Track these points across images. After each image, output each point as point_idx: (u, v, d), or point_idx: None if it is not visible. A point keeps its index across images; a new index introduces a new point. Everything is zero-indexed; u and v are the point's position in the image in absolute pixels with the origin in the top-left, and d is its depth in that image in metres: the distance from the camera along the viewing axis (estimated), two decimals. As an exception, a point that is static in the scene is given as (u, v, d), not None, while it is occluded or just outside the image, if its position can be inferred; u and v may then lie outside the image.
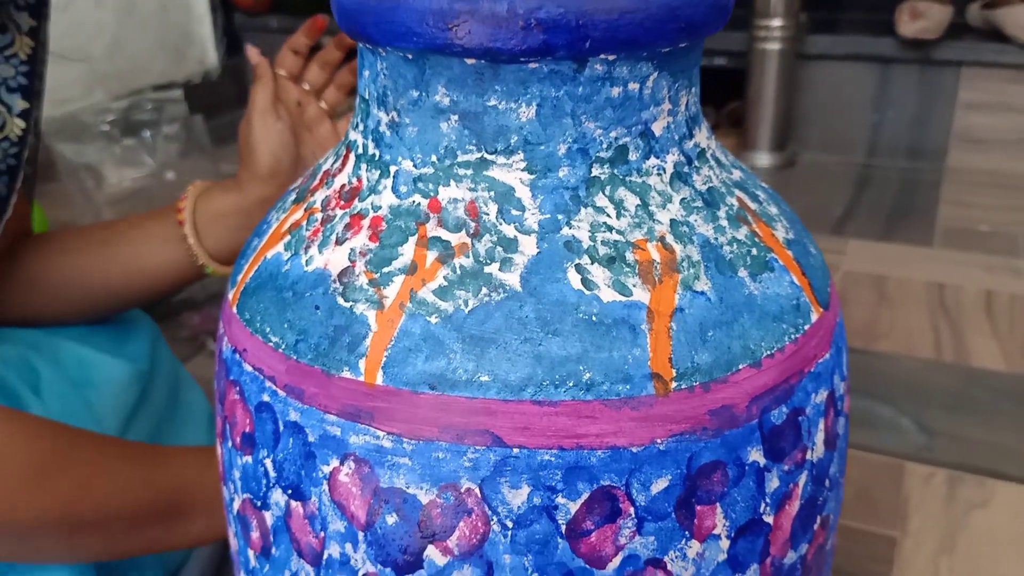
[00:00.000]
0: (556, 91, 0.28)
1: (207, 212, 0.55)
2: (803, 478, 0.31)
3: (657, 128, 0.30)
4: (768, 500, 0.30)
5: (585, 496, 0.27)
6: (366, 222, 0.30)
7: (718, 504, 0.29)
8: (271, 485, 0.31)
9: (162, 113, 1.55)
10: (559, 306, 0.28)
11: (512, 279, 0.28)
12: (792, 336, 0.30)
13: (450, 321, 0.28)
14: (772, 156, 1.54)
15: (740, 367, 0.28)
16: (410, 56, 0.29)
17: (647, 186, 0.30)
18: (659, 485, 0.28)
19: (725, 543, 0.29)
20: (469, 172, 0.29)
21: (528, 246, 0.28)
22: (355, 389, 0.28)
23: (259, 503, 0.32)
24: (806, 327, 0.31)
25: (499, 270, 0.28)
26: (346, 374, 0.28)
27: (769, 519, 0.30)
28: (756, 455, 0.29)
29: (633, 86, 0.29)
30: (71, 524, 0.41)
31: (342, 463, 0.29)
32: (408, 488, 0.28)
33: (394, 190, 0.30)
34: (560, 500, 0.27)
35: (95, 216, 1.29)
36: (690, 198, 0.31)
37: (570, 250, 0.28)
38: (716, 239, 0.30)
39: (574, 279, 0.28)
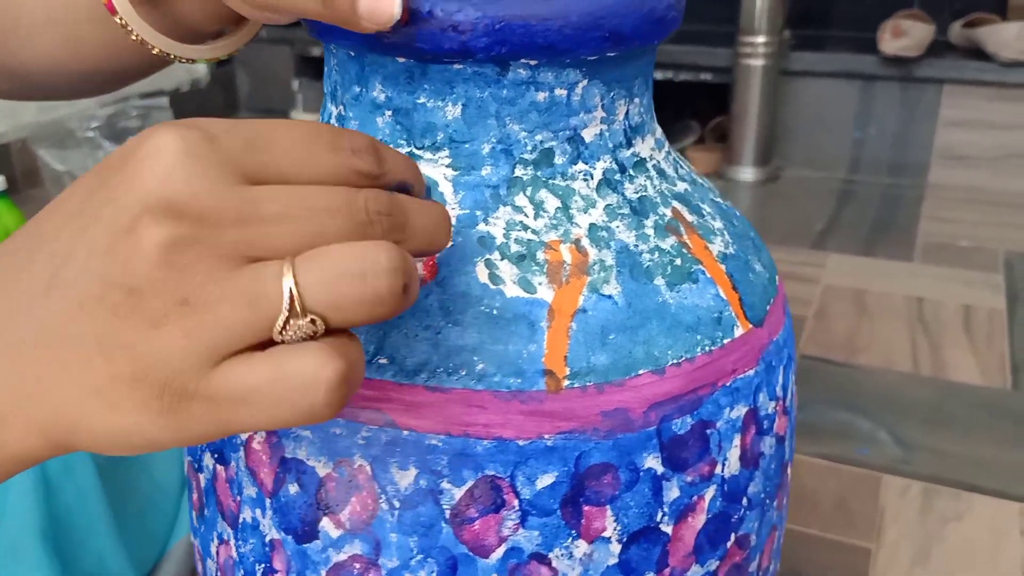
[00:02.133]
0: (480, 92, 0.29)
1: None
2: (710, 492, 0.31)
3: (587, 135, 0.31)
4: (666, 510, 0.30)
5: (470, 484, 0.28)
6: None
7: (608, 507, 0.29)
8: (204, 449, 0.33)
9: (147, 120, 1.53)
10: (463, 298, 0.29)
11: (421, 269, 0.29)
12: (706, 348, 0.30)
13: (359, 304, 0.29)
14: (756, 171, 1.57)
15: (640, 372, 0.29)
16: (352, 54, 0.31)
17: (571, 190, 0.30)
18: (545, 480, 0.28)
19: (616, 547, 0.29)
20: (398, 165, 0.31)
21: (442, 239, 0.29)
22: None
23: (196, 465, 0.34)
24: (725, 341, 0.31)
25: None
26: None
27: (667, 529, 0.30)
28: (652, 462, 0.29)
29: (560, 92, 0.30)
30: None
31: (255, 431, 0.30)
32: (308, 460, 0.29)
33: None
34: (445, 485, 0.28)
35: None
36: (616, 205, 0.31)
37: (482, 245, 0.29)
38: (636, 246, 0.30)
39: (482, 273, 0.29)
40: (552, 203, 0.30)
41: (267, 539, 0.31)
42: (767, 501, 0.34)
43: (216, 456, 0.32)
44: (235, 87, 1.93)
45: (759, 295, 0.33)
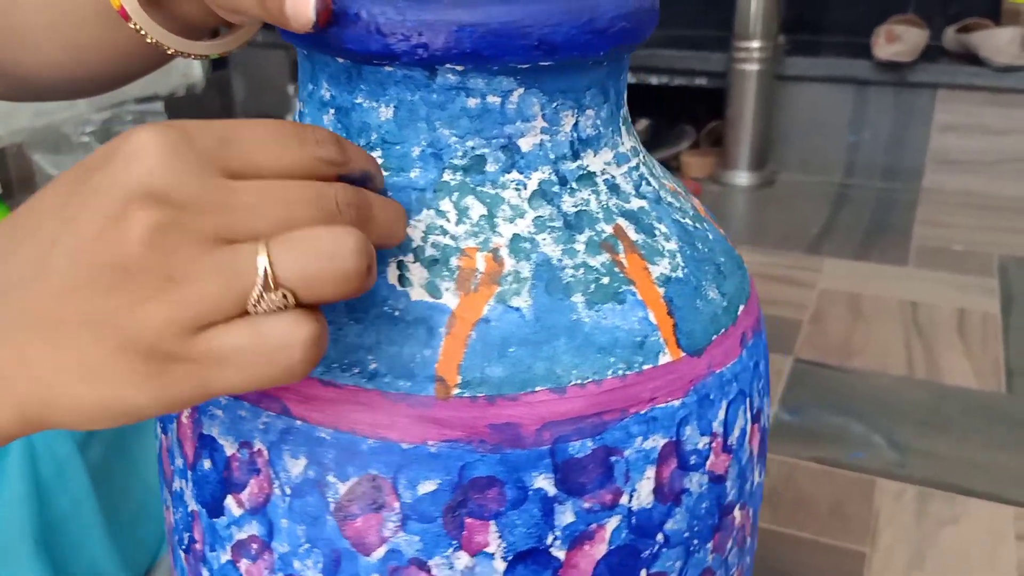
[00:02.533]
0: (411, 95, 0.30)
1: None
2: (612, 522, 0.30)
3: (525, 144, 0.30)
4: (559, 534, 0.29)
5: (353, 480, 0.28)
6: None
7: (492, 522, 0.28)
8: (162, 417, 0.35)
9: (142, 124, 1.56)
10: (368, 297, 0.29)
11: (337, 264, 0.30)
12: (619, 371, 0.29)
13: (277, 293, 0.30)
14: (751, 175, 1.58)
15: (537, 389, 0.28)
16: (305, 53, 0.32)
17: (500, 198, 0.30)
18: (426, 487, 0.28)
19: (500, 564, 0.29)
20: (336, 162, 0.31)
21: (362, 237, 0.30)
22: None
23: (160, 428, 0.36)
24: (645, 367, 0.29)
25: (330, 254, 0.30)
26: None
27: (559, 554, 0.29)
28: (543, 482, 0.28)
29: (493, 99, 0.29)
30: None
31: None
32: (219, 438, 0.30)
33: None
34: (331, 479, 0.29)
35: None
36: (548, 217, 0.30)
37: (398, 247, 0.29)
38: (560, 261, 0.30)
39: (392, 274, 0.29)
40: (477, 210, 0.30)
41: (189, 509, 0.33)
42: (695, 542, 0.32)
43: (161, 425, 0.34)
44: (231, 92, 1.93)
45: (703, 323, 0.31)
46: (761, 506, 0.75)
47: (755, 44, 1.51)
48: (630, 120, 0.35)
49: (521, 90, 0.30)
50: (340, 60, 0.30)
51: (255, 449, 0.30)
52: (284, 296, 0.22)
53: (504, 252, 0.29)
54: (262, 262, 0.22)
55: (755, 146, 1.58)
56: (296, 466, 0.29)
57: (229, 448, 0.30)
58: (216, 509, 0.31)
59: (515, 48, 0.28)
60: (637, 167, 0.34)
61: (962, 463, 0.80)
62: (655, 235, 0.32)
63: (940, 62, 1.53)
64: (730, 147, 1.59)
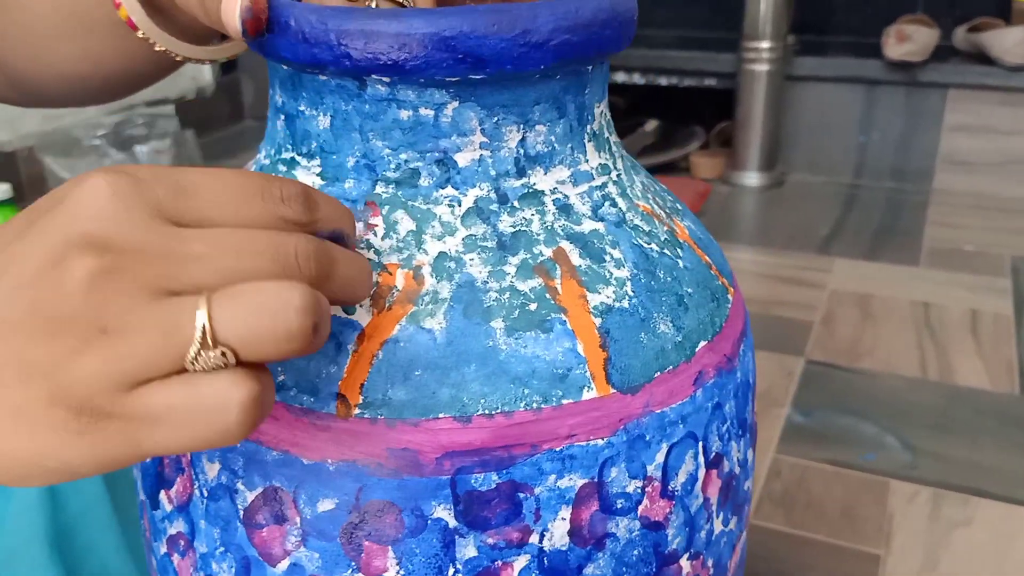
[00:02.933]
0: (345, 105, 0.29)
1: None
2: (520, 561, 0.28)
3: (461, 159, 0.29)
4: (459, 567, 0.28)
5: (259, 490, 0.28)
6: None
7: (390, 548, 0.28)
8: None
9: (153, 128, 1.50)
10: (287, 307, 0.29)
11: (266, 273, 0.30)
12: (533, 404, 0.27)
13: (212, 297, 0.30)
14: (760, 176, 1.57)
15: (441, 416, 0.27)
16: (266, 60, 0.32)
17: (431, 214, 0.29)
18: (325, 505, 0.28)
19: (400, 591, 0.28)
20: (284, 169, 0.31)
21: (293, 246, 0.30)
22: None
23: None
24: (564, 401, 0.28)
25: (263, 262, 0.30)
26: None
27: (462, 587, 0.28)
28: (443, 513, 0.27)
29: (426, 112, 0.29)
30: None
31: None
32: (155, 433, 0.31)
33: (250, 175, 0.33)
34: (240, 486, 0.29)
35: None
36: (481, 236, 0.29)
37: (323, 258, 0.29)
38: (486, 283, 0.28)
39: (312, 286, 0.29)
40: (406, 225, 0.29)
41: (140, 499, 0.34)
42: (625, 589, 0.30)
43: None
44: (240, 95, 1.90)
45: (643, 359, 0.29)
46: (773, 509, 0.73)
47: (764, 44, 1.50)
48: (608, 136, 0.33)
49: (455, 103, 0.28)
50: (284, 67, 0.30)
51: (180, 449, 0.30)
52: (223, 354, 0.20)
53: (426, 271, 0.29)
54: (201, 317, 0.20)
55: (765, 147, 1.56)
56: (212, 469, 0.29)
57: (162, 445, 0.31)
58: (154, 502, 0.32)
59: (439, 61, 0.27)
60: (603, 186, 0.32)
61: (975, 465, 0.79)
62: (604, 261, 0.30)
63: (950, 62, 1.51)
64: (740, 148, 1.57)
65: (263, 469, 0.28)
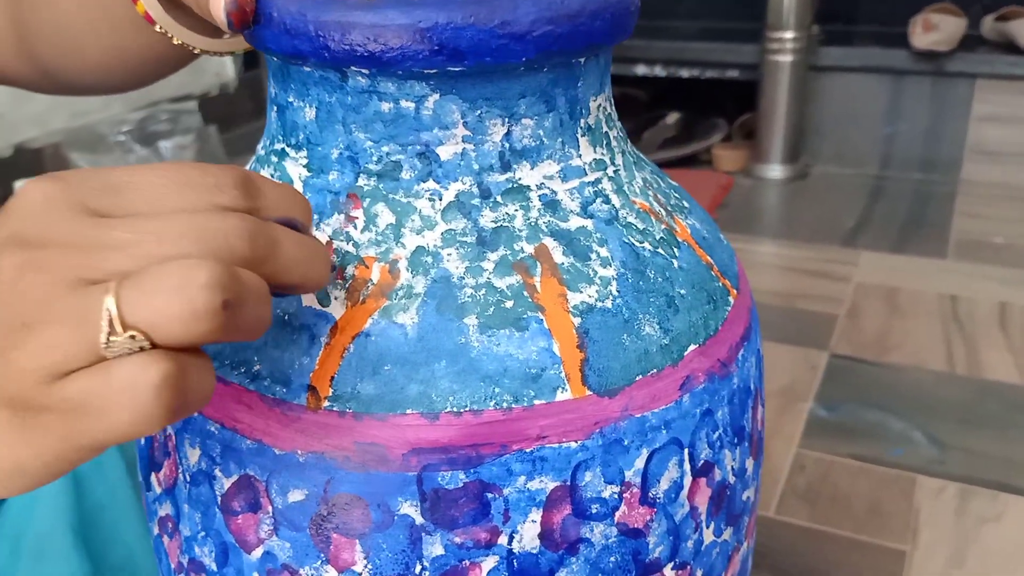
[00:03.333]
0: (329, 97, 0.29)
1: None
2: (489, 562, 0.28)
3: (443, 152, 0.29)
4: (427, 564, 0.28)
5: (235, 478, 0.29)
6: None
7: (358, 541, 0.28)
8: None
9: (177, 124, 1.49)
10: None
11: (251, 263, 0.30)
12: (503, 404, 0.27)
13: (201, 286, 0.31)
14: (784, 168, 1.54)
15: (408, 411, 0.27)
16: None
17: (411, 207, 0.29)
18: (295, 496, 0.28)
19: (367, 585, 0.28)
20: (275, 160, 0.32)
21: (277, 237, 0.30)
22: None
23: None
24: (536, 401, 0.27)
25: (249, 252, 0.30)
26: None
27: (428, 585, 0.28)
28: (409, 510, 0.27)
29: (407, 104, 0.28)
30: None
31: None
32: (148, 417, 0.32)
33: (249, 168, 0.34)
34: (217, 472, 0.29)
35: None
36: (460, 231, 0.29)
37: (304, 250, 0.29)
38: (462, 279, 0.28)
39: (292, 277, 0.29)
40: (386, 218, 0.29)
41: (139, 479, 0.35)
42: (601, 596, 0.29)
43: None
44: (262, 92, 1.89)
45: (624, 362, 0.28)
46: (798, 504, 0.72)
47: (788, 35, 1.46)
48: (607, 131, 0.32)
49: (436, 96, 0.28)
50: (275, 59, 0.30)
51: (168, 433, 0.31)
52: (133, 337, 0.20)
53: (402, 264, 0.28)
54: (108, 302, 0.20)
55: (788, 138, 1.53)
56: (193, 455, 0.30)
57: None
58: (148, 484, 0.33)
59: (415, 53, 0.27)
60: (596, 182, 0.31)
61: (1004, 460, 0.77)
62: (589, 259, 0.29)
63: (978, 51, 1.46)
64: (763, 140, 1.54)
65: (238, 457, 0.28)
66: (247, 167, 0.33)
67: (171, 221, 0.21)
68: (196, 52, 0.37)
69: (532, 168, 0.30)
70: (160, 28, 0.35)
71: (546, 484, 0.28)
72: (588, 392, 0.28)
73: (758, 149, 1.57)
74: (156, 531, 0.33)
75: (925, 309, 1.06)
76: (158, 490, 0.32)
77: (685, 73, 1.66)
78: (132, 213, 0.22)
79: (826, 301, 1.09)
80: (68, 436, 0.21)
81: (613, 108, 0.34)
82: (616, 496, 0.28)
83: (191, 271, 0.20)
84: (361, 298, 0.28)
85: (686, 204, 0.35)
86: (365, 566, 0.28)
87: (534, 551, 0.28)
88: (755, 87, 1.56)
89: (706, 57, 1.64)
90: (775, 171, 1.55)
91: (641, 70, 1.69)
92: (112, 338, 0.20)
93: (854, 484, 0.75)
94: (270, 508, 0.28)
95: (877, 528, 0.69)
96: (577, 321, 0.28)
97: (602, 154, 0.32)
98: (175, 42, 0.35)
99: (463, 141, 0.29)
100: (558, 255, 0.29)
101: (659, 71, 1.67)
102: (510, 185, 0.29)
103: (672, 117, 1.71)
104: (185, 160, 1.42)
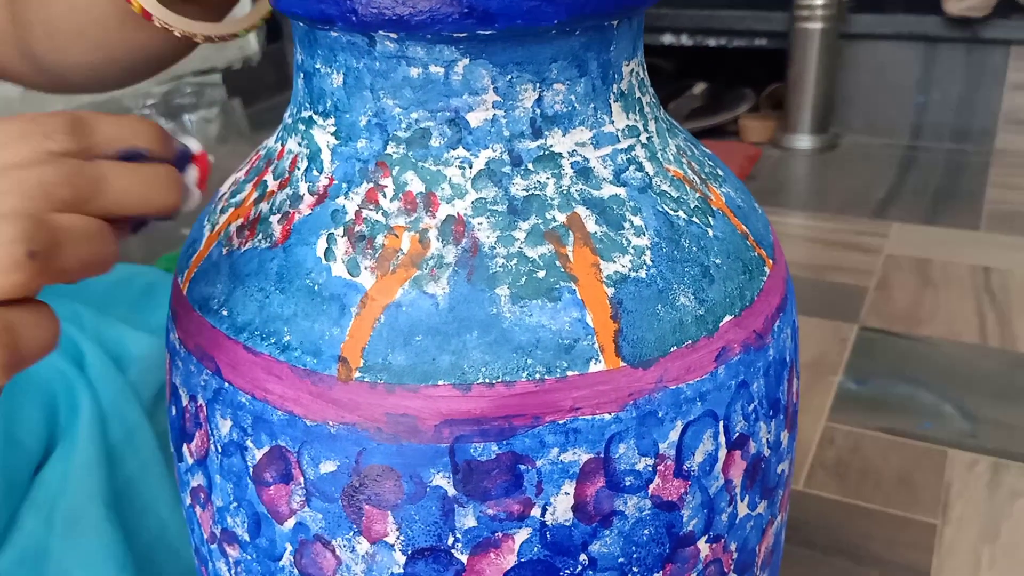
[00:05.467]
0: (356, 62, 0.28)
1: None
2: (522, 534, 0.27)
3: (474, 119, 0.28)
4: (459, 535, 0.27)
5: (266, 448, 0.29)
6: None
7: (390, 513, 0.27)
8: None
9: (201, 97, 1.50)
10: (296, 268, 0.29)
11: (279, 232, 0.30)
12: (536, 375, 0.27)
13: (229, 257, 0.31)
14: (813, 138, 1.51)
15: (440, 383, 0.26)
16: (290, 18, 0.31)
17: (441, 175, 0.28)
18: (327, 467, 0.28)
19: (400, 557, 0.28)
20: (302, 128, 0.31)
21: (306, 206, 0.30)
22: (175, 295, 0.33)
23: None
24: (569, 372, 0.27)
25: (277, 222, 0.30)
26: (177, 281, 0.33)
27: (461, 557, 0.28)
28: (442, 481, 0.27)
29: (436, 69, 0.28)
30: None
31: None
32: (179, 388, 0.32)
33: (276, 138, 0.33)
34: (249, 443, 0.29)
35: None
36: (491, 200, 0.28)
37: (333, 219, 0.29)
38: (493, 248, 0.28)
39: (320, 246, 0.29)
40: (416, 186, 0.28)
41: (172, 448, 0.35)
42: (634, 569, 0.29)
43: (166, 367, 0.37)
44: (286, 64, 1.88)
45: (659, 332, 0.28)
46: (827, 477, 0.71)
47: (818, 1, 1.42)
48: (640, 96, 0.32)
49: (466, 60, 0.27)
50: (301, 24, 0.30)
51: (199, 404, 0.31)
52: None
53: (432, 234, 0.28)
54: None
55: (817, 108, 1.49)
56: (224, 426, 0.30)
57: (184, 398, 0.32)
58: (179, 454, 0.33)
59: (445, 16, 0.26)
60: (628, 149, 0.30)
61: None
62: (622, 228, 0.29)
63: (1013, 18, 1.40)
64: (791, 110, 1.51)
65: (269, 428, 0.28)
66: (273, 136, 0.33)
67: None
68: (199, 41, 0.37)
69: (564, 135, 0.29)
70: (160, 22, 0.34)
71: (579, 456, 0.27)
72: (622, 363, 0.27)
73: (786, 119, 1.54)
74: (188, 501, 0.33)
75: (957, 281, 1.05)
76: (190, 461, 0.32)
77: (712, 42, 1.63)
78: None
79: (856, 273, 1.07)
80: None
81: (646, 73, 0.33)
82: (650, 469, 0.28)
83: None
84: (391, 268, 0.28)
85: (720, 172, 0.34)
86: (397, 537, 0.28)
87: (567, 523, 0.28)
88: (783, 56, 1.53)
89: (734, 25, 1.61)
90: (804, 141, 1.52)
91: (667, 39, 1.66)
92: None
93: (884, 458, 0.74)
94: (302, 479, 0.28)
95: (908, 502, 0.69)
96: (611, 291, 0.28)
97: (635, 120, 0.31)
98: (177, 35, 0.35)
99: (493, 107, 0.28)
100: (591, 224, 0.28)
101: (685, 40, 1.65)
102: (541, 152, 0.29)
103: (699, 87, 1.68)
104: (209, 132, 1.42)
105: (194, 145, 0.28)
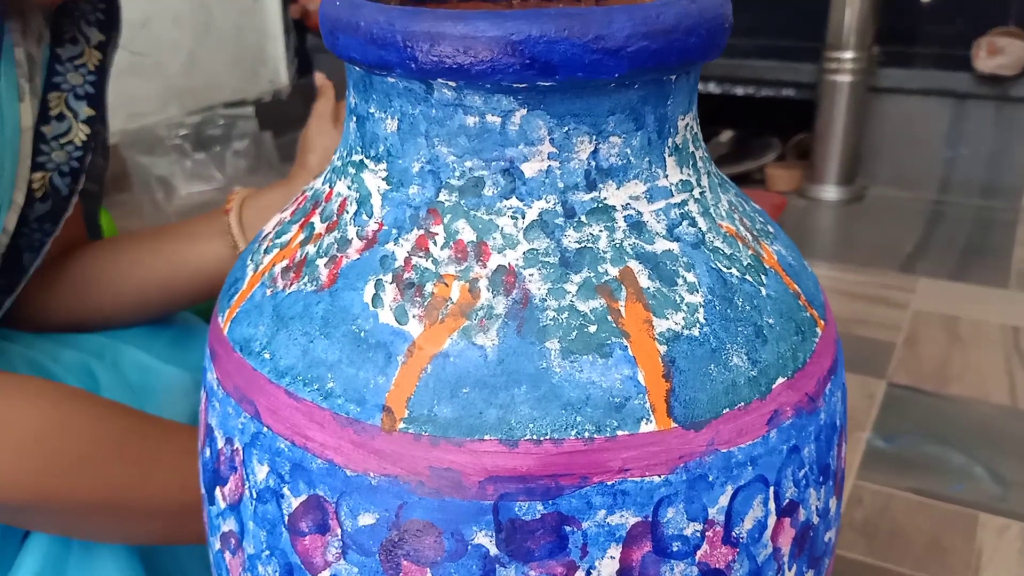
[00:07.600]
0: (412, 109, 0.28)
1: (253, 206, 0.56)
2: (563, 598, 0.26)
3: (528, 169, 0.28)
4: (499, 597, 0.26)
5: (304, 497, 0.28)
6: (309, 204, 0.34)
7: (429, 570, 0.27)
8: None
9: (233, 129, 1.53)
10: (342, 313, 0.28)
11: (326, 276, 0.29)
12: (585, 433, 0.26)
13: (273, 298, 0.30)
14: (839, 189, 1.52)
15: (486, 437, 0.26)
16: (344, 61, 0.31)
17: (493, 225, 0.28)
18: (366, 519, 0.27)
19: (436, 615, 0.27)
20: (352, 171, 0.31)
21: (354, 251, 0.29)
22: (214, 334, 0.33)
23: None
24: (619, 432, 0.26)
25: (324, 265, 0.30)
26: (217, 321, 0.33)
27: (500, 619, 0.27)
28: (483, 539, 0.26)
29: (492, 119, 0.27)
30: (119, 509, 0.41)
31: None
32: (215, 429, 0.31)
33: (324, 179, 0.33)
34: (286, 491, 0.28)
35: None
36: (543, 251, 0.28)
37: (382, 265, 0.28)
38: (544, 301, 0.27)
39: (368, 292, 0.28)
40: (467, 235, 0.28)
41: (202, 492, 0.34)
42: (678, 638, 0.28)
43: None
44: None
45: (711, 393, 0.27)
46: (855, 537, 0.69)
47: (848, 55, 1.45)
48: (693, 151, 0.31)
49: (523, 111, 0.27)
50: (357, 69, 0.30)
51: (235, 447, 0.30)
52: None
53: (483, 284, 0.27)
54: None
55: (844, 159, 1.51)
56: (261, 471, 0.29)
57: (220, 440, 0.31)
58: (211, 497, 0.32)
59: (506, 66, 0.26)
60: (682, 204, 0.30)
61: None
62: (675, 284, 0.28)
63: None
64: (818, 160, 1.53)
65: (308, 476, 0.28)
66: (321, 177, 0.33)
67: None
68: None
69: (618, 188, 0.29)
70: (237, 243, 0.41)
71: (627, 519, 0.26)
72: (673, 424, 0.26)
73: (813, 169, 1.54)
74: (218, 546, 0.33)
75: (987, 339, 1.03)
76: (222, 505, 0.31)
77: (740, 91, 1.65)
78: None
79: (883, 328, 1.06)
80: None
81: (699, 128, 0.32)
82: (698, 534, 0.27)
83: None
84: (440, 317, 0.27)
85: (771, 229, 0.34)
86: (435, 596, 0.27)
87: (611, 589, 0.27)
88: (810, 106, 1.54)
89: (762, 75, 1.63)
90: (830, 192, 1.52)
91: (695, 87, 1.67)
92: None
93: (914, 519, 0.73)
94: (339, 530, 0.27)
95: (938, 566, 0.67)
96: (663, 349, 0.27)
97: (688, 175, 0.31)
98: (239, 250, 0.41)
99: (548, 158, 0.28)
100: (643, 279, 0.28)
101: (713, 88, 1.66)
102: (595, 205, 0.28)
103: (725, 135, 1.69)
104: (240, 165, 1.48)
105: None
